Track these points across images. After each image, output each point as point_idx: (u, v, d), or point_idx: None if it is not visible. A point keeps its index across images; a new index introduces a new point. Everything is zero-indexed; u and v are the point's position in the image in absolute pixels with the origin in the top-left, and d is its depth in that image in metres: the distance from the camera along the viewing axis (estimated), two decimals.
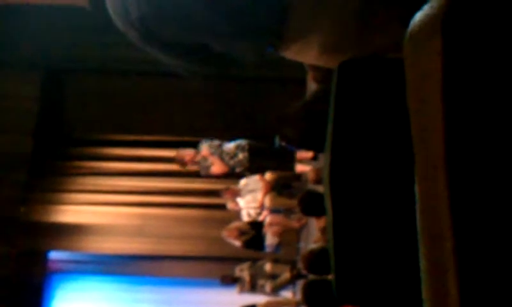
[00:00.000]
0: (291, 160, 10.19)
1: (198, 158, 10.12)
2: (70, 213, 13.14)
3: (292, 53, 1.49)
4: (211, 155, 9.97)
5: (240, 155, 9.91)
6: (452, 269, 0.84)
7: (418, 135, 0.93)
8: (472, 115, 0.85)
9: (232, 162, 9.95)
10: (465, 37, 0.84)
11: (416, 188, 0.95)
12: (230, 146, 10.01)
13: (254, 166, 10.09)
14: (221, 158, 9.97)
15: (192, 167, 10.57)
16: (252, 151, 9.94)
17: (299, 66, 7.05)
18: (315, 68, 5.88)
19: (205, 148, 10.04)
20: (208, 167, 10.09)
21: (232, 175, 11.30)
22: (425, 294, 0.91)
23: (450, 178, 0.86)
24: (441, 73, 0.85)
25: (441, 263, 0.87)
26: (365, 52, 1.50)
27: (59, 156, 13.28)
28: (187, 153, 10.15)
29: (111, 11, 1.37)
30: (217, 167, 10.04)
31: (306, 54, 1.49)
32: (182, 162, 10.27)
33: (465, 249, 0.85)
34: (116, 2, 1.35)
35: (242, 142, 10.04)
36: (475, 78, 0.84)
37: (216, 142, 10.16)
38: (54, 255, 13.42)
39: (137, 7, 1.29)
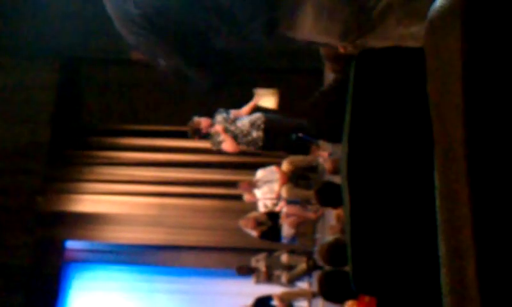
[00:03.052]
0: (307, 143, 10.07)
1: (212, 130, 9.88)
2: (87, 202, 13.18)
3: (293, 27, 1.51)
4: (224, 132, 9.77)
5: (255, 134, 9.69)
6: (471, 256, 0.84)
7: (438, 123, 0.92)
8: (493, 102, 0.84)
9: (244, 140, 9.76)
10: (485, 23, 0.83)
11: (436, 177, 0.95)
12: (245, 122, 9.74)
13: (267, 145, 9.91)
14: (235, 136, 9.78)
15: (208, 157, 10.45)
16: (267, 131, 9.70)
17: (315, 57, 7.04)
18: (333, 59, 5.87)
19: (219, 122, 9.83)
20: (219, 143, 9.91)
21: (248, 165, 11.30)
22: (443, 280, 0.91)
23: (470, 166, 0.86)
24: (461, 60, 0.85)
25: (461, 249, 0.87)
26: (358, 20, 1.51)
27: (76, 145, 13.32)
28: (203, 121, 9.91)
29: (112, 15, 1.38)
30: (228, 145, 9.85)
31: (303, 25, 1.50)
32: (196, 130, 10.00)
33: (484, 236, 0.85)
34: (115, 5, 1.37)
35: (258, 119, 9.74)
36: (496, 65, 0.84)
37: (232, 114, 9.87)
38: (70, 244, 13.48)
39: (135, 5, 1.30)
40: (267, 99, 9.87)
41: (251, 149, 10.00)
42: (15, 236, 12.59)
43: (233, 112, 9.87)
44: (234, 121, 9.79)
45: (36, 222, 12.81)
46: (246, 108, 9.86)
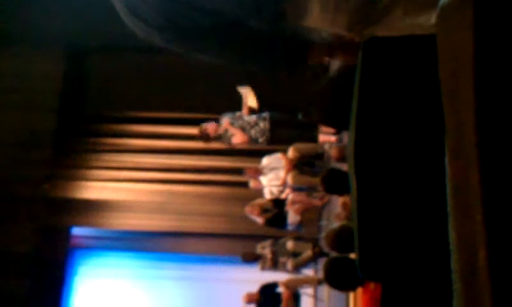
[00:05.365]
0: (314, 131, 10.18)
1: (220, 131, 10.16)
2: (93, 189, 13.21)
3: (300, 17, 1.51)
4: (231, 125, 10.01)
5: (262, 124, 9.94)
6: (482, 242, 0.84)
7: (449, 110, 0.92)
8: (504, 90, 0.84)
9: (252, 132, 9.97)
10: (497, 9, 0.83)
11: (447, 164, 0.94)
12: (251, 116, 10.07)
13: (275, 136, 10.10)
14: (242, 128, 10.00)
15: (215, 144, 10.63)
16: (273, 121, 9.97)
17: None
18: (340, 46, 5.85)
19: (226, 119, 10.09)
20: (229, 138, 10.13)
21: (254, 152, 11.32)
22: (454, 266, 0.91)
23: (481, 153, 0.86)
24: (473, 46, 0.84)
25: (472, 235, 0.86)
26: (365, 14, 1.51)
27: (82, 133, 13.33)
28: (209, 126, 10.20)
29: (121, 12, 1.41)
30: (238, 137, 10.07)
31: (310, 15, 1.51)
32: (205, 136, 10.29)
33: (495, 223, 0.84)
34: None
35: (264, 113, 10.11)
36: (507, 52, 0.84)
37: (238, 113, 10.21)
38: (77, 231, 13.51)
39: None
40: (250, 97, 10.14)
41: (260, 140, 10.16)
42: (21, 223, 12.62)
43: (237, 114, 10.21)
44: (241, 116, 10.05)
45: (42, 209, 12.84)
46: (245, 109, 10.14)
